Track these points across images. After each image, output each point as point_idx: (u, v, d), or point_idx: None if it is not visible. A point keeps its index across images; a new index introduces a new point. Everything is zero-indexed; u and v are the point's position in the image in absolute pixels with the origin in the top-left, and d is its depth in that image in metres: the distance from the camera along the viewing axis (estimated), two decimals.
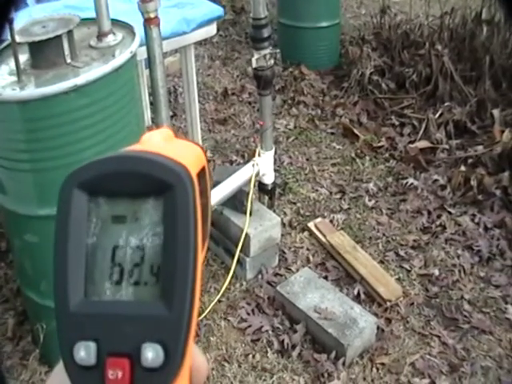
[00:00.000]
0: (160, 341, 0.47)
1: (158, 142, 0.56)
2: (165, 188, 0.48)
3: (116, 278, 0.49)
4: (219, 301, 3.08)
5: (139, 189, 0.49)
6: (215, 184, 3.13)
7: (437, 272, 3.28)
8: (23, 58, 2.25)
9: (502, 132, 4.01)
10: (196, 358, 0.51)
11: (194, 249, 0.48)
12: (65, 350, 0.48)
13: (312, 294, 2.99)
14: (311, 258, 3.37)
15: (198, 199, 0.49)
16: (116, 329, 0.48)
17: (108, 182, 0.49)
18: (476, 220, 3.58)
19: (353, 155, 4.23)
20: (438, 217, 3.63)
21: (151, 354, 0.46)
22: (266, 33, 3.03)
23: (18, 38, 2.12)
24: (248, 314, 3.03)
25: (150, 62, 2.70)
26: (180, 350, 0.47)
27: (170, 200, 0.48)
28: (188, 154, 0.54)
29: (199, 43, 5.05)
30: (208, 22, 3.55)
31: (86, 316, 0.48)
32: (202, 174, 0.54)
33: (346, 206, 3.75)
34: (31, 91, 2.13)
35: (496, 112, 4.24)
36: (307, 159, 4.20)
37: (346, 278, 3.25)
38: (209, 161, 4.12)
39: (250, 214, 3.15)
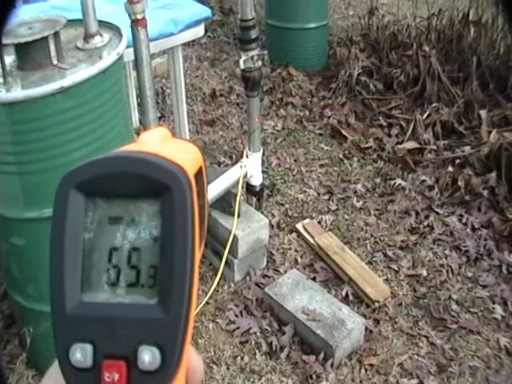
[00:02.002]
0: (157, 344, 0.46)
1: (156, 141, 0.55)
2: (162, 190, 0.48)
3: (113, 279, 0.49)
4: (207, 303, 3.08)
5: (136, 190, 0.49)
6: None
7: (425, 272, 3.29)
8: (9, 59, 2.24)
9: (489, 132, 4.03)
10: (192, 359, 0.51)
11: (192, 251, 0.47)
12: (61, 352, 0.48)
13: (300, 295, 2.99)
14: (299, 259, 3.37)
15: (195, 200, 0.48)
16: (113, 331, 0.47)
17: (105, 182, 0.49)
18: (463, 220, 3.59)
19: (341, 156, 4.24)
20: (426, 217, 3.64)
21: (148, 356, 0.46)
22: (253, 34, 3.03)
23: (3, 40, 2.11)
24: (236, 315, 3.03)
25: (137, 64, 2.69)
26: (177, 353, 0.47)
27: (168, 202, 0.48)
28: (185, 155, 0.54)
29: (187, 44, 5.06)
30: (196, 23, 3.55)
31: (82, 318, 0.48)
32: (199, 174, 0.54)
33: (334, 207, 3.75)
34: (17, 93, 2.11)
35: (483, 113, 4.26)
36: (295, 160, 4.20)
37: (335, 279, 3.25)
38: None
39: (238, 216, 3.15)
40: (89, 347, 0.47)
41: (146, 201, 0.49)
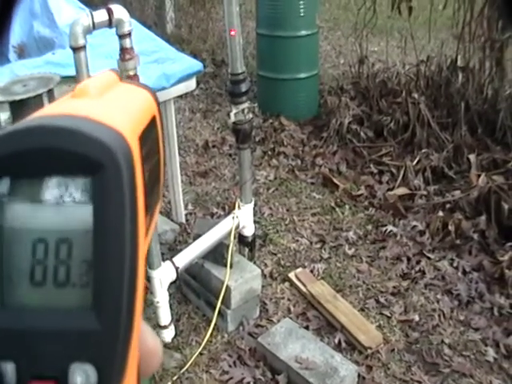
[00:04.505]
0: (92, 359, 0.38)
1: (96, 93, 0.45)
2: (93, 166, 0.38)
3: (38, 279, 0.39)
4: (201, 353, 3.09)
5: (62, 167, 0.39)
6: (196, 237, 3.17)
7: (417, 317, 3.31)
8: (4, 116, 2.31)
9: (479, 176, 4.07)
10: (148, 340, 0.44)
11: (132, 241, 0.39)
12: None
13: (293, 344, 3.00)
14: (292, 308, 3.39)
15: (138, 173, 0.40)
16: (40, 346, 0.38)
17: (22, 160, 0.39)
18: (455, 264, 3.63)
19: (332, 204, 4.29)
20: (418, 262, 3.67)
21: (80, 377, 0.37)
22: (243, 87, 3.07)
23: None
24: (230, 366, 3.03)
25: None
26: (116, 370, 0.38)
27: (100, 182, 0.38)
28: (130, 109, 0.45)
29: (180, 96, 5.13)
30: (188, 77, 3.62)
31: (2, 330, 0.38)
32: (148, 129, 0.45)
33: (326, 256, 3.79)
34: None
35: (472, 157, 4.32)
36: (287, 210, 4.25)
37: (327, 326, 3.27)
38: (190, 213, 4.16)
39: (231, 267, 3.18)
40: (11, 367, 0.38)
41: (74, 179, 0.39)
